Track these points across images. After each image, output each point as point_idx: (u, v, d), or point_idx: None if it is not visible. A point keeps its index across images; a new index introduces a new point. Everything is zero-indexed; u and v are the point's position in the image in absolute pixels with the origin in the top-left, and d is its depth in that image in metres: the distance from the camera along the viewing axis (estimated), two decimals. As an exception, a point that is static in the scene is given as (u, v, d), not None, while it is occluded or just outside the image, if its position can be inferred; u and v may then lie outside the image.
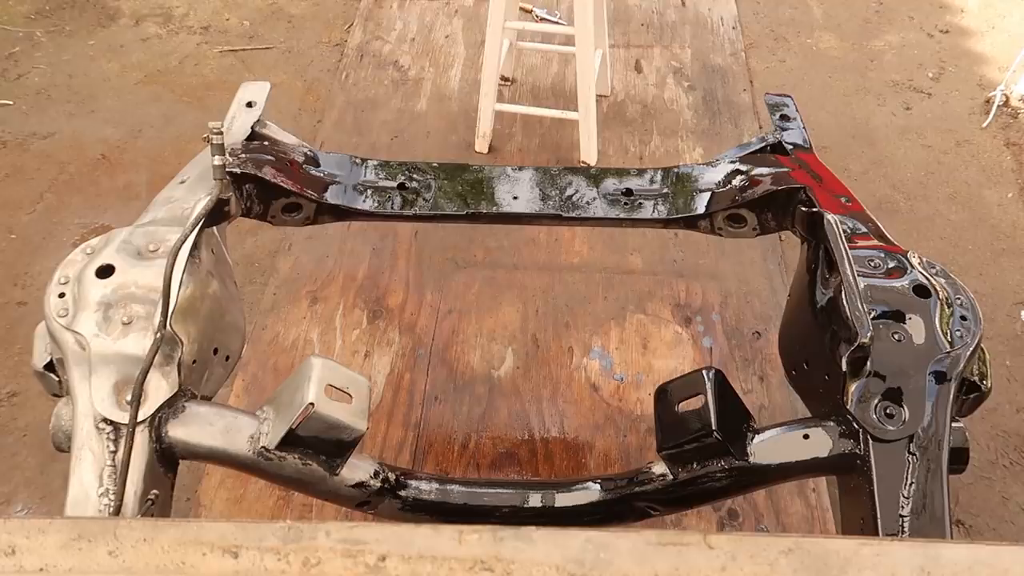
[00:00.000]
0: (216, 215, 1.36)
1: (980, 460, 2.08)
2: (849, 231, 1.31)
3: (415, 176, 1.64)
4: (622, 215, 1.57)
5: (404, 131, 2.93)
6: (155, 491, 1.05)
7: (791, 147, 1.61)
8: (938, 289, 1.19)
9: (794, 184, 1.47)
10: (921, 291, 1.19)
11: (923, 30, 3.62)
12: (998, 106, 3.14)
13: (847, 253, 1.22)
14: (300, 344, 2.24)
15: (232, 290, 1.40)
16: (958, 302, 1.18)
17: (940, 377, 1.10)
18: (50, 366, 1.19)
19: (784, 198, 1.49)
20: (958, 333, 1.14)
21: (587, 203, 1.58)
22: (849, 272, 1.19)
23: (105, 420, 1.05)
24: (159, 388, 1.09)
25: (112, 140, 2.96)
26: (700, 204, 1.56)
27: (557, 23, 3.33)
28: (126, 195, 2.75)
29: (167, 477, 1.09)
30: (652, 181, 1.62)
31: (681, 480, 1.15)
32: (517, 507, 1.21)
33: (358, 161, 1.66)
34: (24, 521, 0.65)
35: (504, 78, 3.08)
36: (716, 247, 2.47)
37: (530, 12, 3.38)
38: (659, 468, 1.17)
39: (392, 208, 1.59)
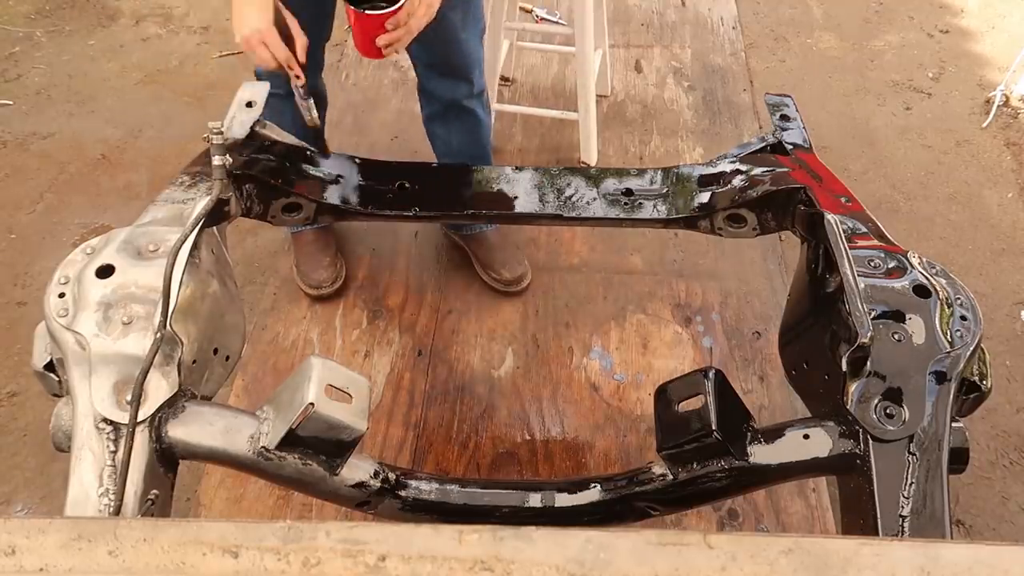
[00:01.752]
0: (216, 215, 1.36)
1: (980, 460, 2.08)
2: (849, 231, 1.31)
3: (415, 176, 1.64)
4: (622, 215, 1.56)
5: (404, 131, 2.93)
6: (155, 491, 1.04)
7: (791, 147, 1.61)
8: (938, 289, 1.19)
9: (794, 184, 1.47)
10: (921, 291, 1.19)
11: (923, 30, 3.62)
12: (998, 106, 3.14)
13: (847, 253, 1.22)
14: (300, 344, 2.24)
15: (232, 290, 1.40)
16: (958, 302, 1.18)
17: (940, 377, 1.09)
18: (50, 366, 1.18)
19: (784, 198, 1.48)
20: (958, 333, 1.14)
21: (587, 203, 1.58)
22: (849, 272, 1.19)
23: (105, 420, 1.04)
24: (159, 388, 1.08)
25: (112, 140, 2.96)
26: (700, 204, 1.56)
27: (557, 23, 3.33)
28: (126, 195, 2.75)
29: (167, 477, 1.09)
30: (652, 181, 1.62)
31: (681, 480, 1.14)
32: (517, 507, 1.21)
33: (358, 161, 1.67)
34: (24, 521, 0.65)
35: (504, 78, 3.08)
36: (716, 247, 2.47)
37: (530, 12, 3.37)
38: (659, 468, 1.17)
39: (392, 208, 1.59)
